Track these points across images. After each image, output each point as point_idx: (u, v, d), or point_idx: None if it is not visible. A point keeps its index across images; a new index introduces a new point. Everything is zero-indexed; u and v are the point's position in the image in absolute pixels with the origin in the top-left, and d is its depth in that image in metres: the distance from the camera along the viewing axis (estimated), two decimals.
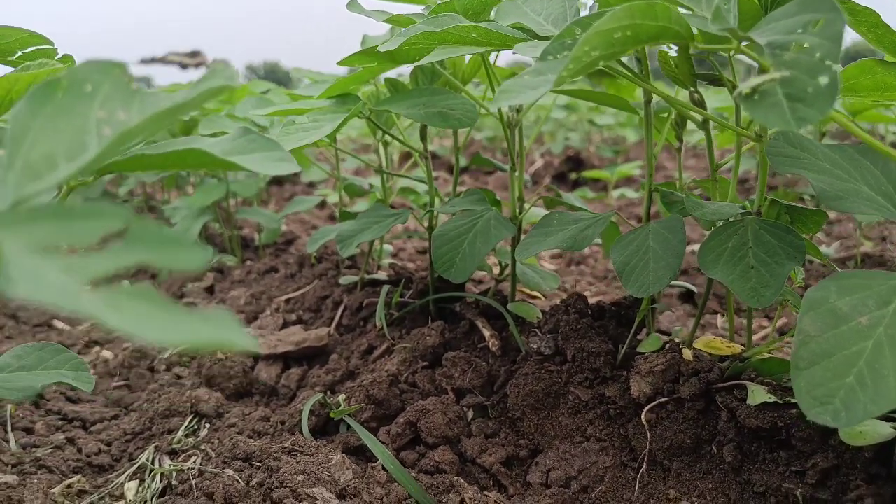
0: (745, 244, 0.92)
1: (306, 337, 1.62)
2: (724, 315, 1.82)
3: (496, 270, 1.57)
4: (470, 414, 1.24)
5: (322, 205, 3.15)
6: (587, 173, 2.91)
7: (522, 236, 1.39)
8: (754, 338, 1.56)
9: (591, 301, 1.34)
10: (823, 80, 0.58)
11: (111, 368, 1.73)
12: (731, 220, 0.98)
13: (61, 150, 0.46)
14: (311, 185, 3.64)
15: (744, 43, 0.72)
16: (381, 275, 1.77)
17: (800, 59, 0.60)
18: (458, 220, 1.33)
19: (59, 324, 2.09)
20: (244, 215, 2.22)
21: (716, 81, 1.06)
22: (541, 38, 0.96)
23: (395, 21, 1.13)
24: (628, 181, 3.14)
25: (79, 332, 2.01)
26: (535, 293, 1.64)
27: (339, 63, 1.22)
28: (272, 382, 1.56)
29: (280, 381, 1.56)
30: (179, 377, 1.64)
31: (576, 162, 3.71)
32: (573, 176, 3.56)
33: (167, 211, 2.41)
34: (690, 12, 0.75)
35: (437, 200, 1.53)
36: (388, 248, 2.02)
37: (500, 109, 1.33)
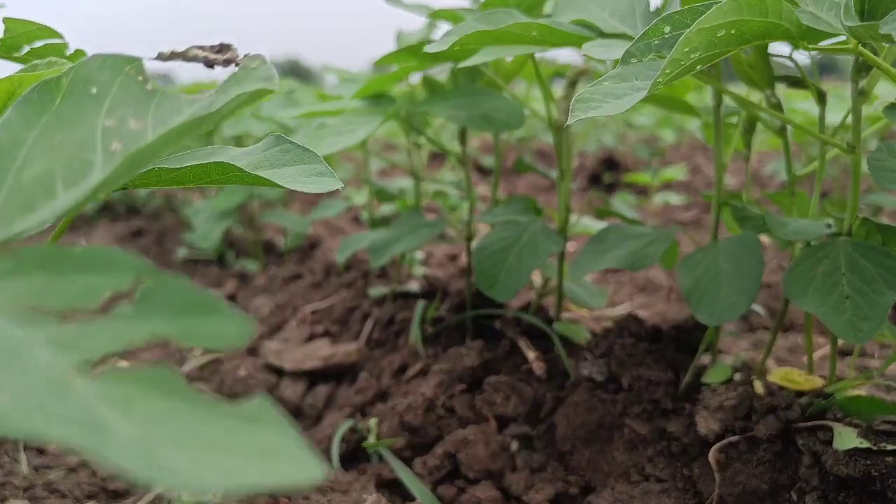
0: (838, 269, 0.82)
1: (334, 352, 1.53)
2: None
3: (539, 282, 1.47)
4: (514, 445, 1.14)
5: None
6: (627, 177, 2.77)
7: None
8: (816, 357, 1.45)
9: (646, 321, 1.24)
10: None
11: None
12: (817, 241, 0.87)
13: (59, 171, 0.37)
14: None
15: (863, 44, 0.61)
16: (413, 286, 1.67)
17: None
18: (500, 231, 1.23)
19: None
20: (270, 218, 2.13)
21: (798, 83, 0.96)
22: (606, 36, 0.86)
23: (440, 16, 1.03)
24: (666, 184, 3.01)
25: None
26: (580, 310, 1.54)
27: (377, 63, 1.12)
28: (297, 401, 1.47)
29: (305, 399, 1.47)
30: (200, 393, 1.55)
31: (610, 163, 3.58)
32: (607, 179, 3.42)
33: (189, 213, 2.32)
34: (796, 6, 0.65)
35: (474, 207, 1.43)
36: (418, 254, 1.92)
37: (549, 112, 1.23)
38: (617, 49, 0.71)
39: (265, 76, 0.44)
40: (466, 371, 1.27)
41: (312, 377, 1.53)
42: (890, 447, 0.83)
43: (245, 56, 0.46)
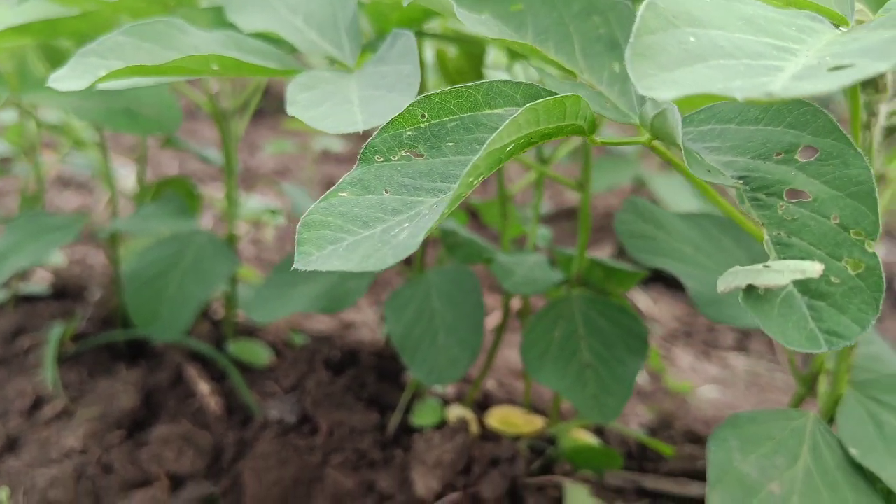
0: (575, 332, 0.72)
1: None
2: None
3: None
4: None
5: None
6: (287, 123, 2.39)
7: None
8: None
9: (341, 342, 1.09)
10: (853, 266, 0.37)
11: None
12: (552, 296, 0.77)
13: None
14: None
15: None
16: (41, 284, 1.35)
17: (807, 222, 0.38)
18: (156, 250, 0.99)
19: None
20: None
21: None
22: (296, 53, 0.66)
23: (74, 4, 0.74)
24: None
25: None
26: None
27: None
28: None
29: None
30: None
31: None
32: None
33: None
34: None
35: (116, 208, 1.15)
36: None
37: (208, 93, 0.99)
38: (328, 102, 0.52)
39: None
40: (125, 414, 1.04)
41: None
42: None
43: None
